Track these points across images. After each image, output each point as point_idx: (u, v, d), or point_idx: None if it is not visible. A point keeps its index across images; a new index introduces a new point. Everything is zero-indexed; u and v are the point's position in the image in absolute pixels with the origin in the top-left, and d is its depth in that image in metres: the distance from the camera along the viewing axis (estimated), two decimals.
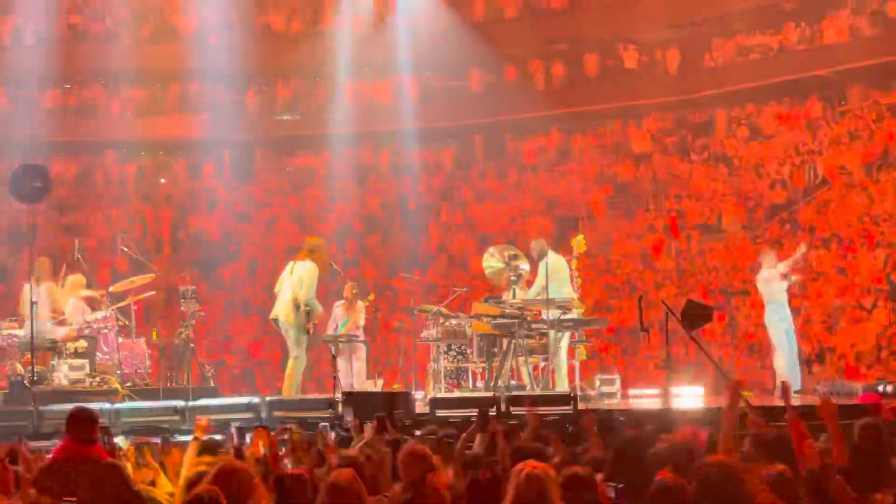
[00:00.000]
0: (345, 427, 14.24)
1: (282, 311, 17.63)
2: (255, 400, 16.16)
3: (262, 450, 9.09)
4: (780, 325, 19.63)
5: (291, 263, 17.97)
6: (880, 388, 18.46)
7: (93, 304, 18.86)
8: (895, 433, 9.83)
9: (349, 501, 6.92)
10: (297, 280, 17.63)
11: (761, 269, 20.22)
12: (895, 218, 26.13)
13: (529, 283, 18.71)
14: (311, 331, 17.62)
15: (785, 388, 8.71)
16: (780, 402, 17.33)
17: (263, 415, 14.94)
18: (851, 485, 7.12)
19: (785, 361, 19.33)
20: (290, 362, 17.45)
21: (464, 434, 10.94)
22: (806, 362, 23.36)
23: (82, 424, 8.50)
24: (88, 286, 19.63)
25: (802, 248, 20.65)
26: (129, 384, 17.77)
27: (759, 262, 20.73)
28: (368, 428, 11.47)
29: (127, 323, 18.60)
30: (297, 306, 17.39)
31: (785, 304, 20.05)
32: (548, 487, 6.75)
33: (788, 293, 20.43)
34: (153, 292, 18.36)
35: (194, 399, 16.32)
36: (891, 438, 9.20)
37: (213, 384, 19.45)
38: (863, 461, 8.02)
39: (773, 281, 19.70)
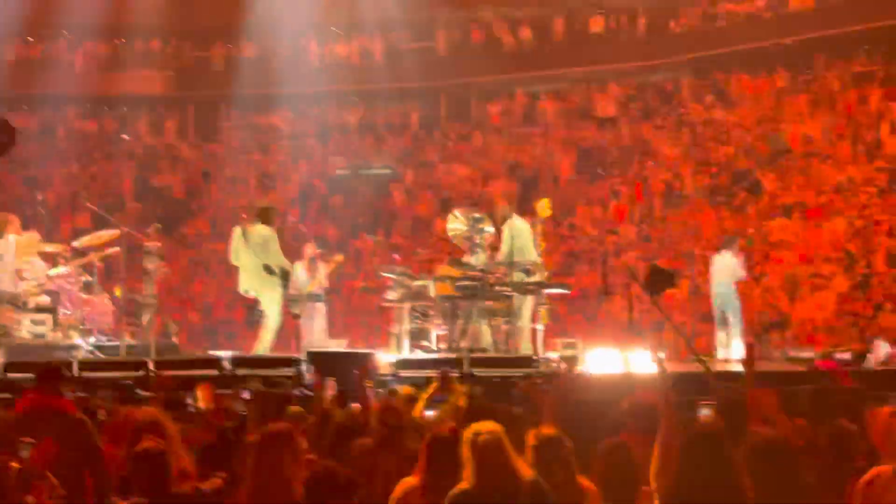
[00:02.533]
0: (306, 385, 14.27)
1: (250, 281, 17.58)
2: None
3: (204, 404, 9.08)
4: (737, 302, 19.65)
5: (240, 229, 17.83)
6: (837, 356, 18.60)
7: (53, 259, 18.76)
8: (852, 399, 10.00)
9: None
10: (258, 247, 17.54)
11: (724, 251, 20.05)
12: (856, 187, 26.28)
13: (493, 247, 18.74)
14: (284, 292, 17.61)
15: (751, 349, 8.76)
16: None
17: (227, 371, 14.96)
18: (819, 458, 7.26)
19: (734, 339, 19.38)
20: (270, 325, 17.44)
21: (426, 394, 10.99)
22: (765, 329, 23.53)
23: (49, 377, 8.51)
24: (49, 241, 19.55)
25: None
26: (92, 340, 17.73)
27: (724, 244, 20.58)
28: (329, 384, 11.46)
29: (90, 279, 18.51)
30: (270, 271, 17.35)
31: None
32: (504, 448, 6.84)
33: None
34: (117, 248, 18.24)
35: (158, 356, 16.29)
36: (846, 403, 9.37)
37: (175, 342, 19.44)
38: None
39: (735, 267, 19.66)
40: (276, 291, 17.40)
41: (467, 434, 6.82)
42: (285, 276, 17.39)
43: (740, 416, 7.77)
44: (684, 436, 6.77)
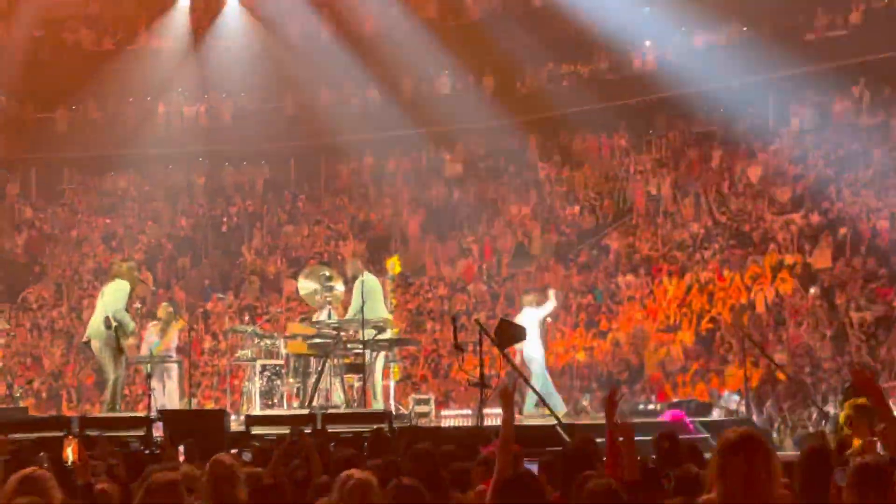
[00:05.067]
0: (155, 444, 14.11)
1: (93, 331, 17.32)
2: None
3: (70, 457, 8.94)
4: (540, 358, 19.79)
5: (103, 287, 17.67)
6: (685, 408, 19.00)
7: None
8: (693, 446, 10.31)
9: None
10: (107, 300, 17.36)
11: (527, 307, 20.24)
12: (699, 242, 26.84)
13: (344, 304, 18.77)
14: (124, 347, 17.33)
15: (613, 392, 8.94)
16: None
17: (75, 432, 14.68)
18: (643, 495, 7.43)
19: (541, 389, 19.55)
20: (110, 383, 17.16)
21: (277, 450, 10.93)
22: (616, 383, 23.86)
23: None
24: None
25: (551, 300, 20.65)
26: None
27: (525, 301, 20.82)
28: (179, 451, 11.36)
29: None
30: (108, 325, 17.10)
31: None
32: (372, 494, 6.86)
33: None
34: None
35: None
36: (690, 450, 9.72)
37: (21, 405, 19.04)
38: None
39: (536, 321, 19.82)
40: (117, 351, 17.16)
41: (340, 477, 6.89)
42: (117, 330, 17.05)
43: (580, 463, 7.96)
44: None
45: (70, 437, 9.78)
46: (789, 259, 24.76)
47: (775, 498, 5.68)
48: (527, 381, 16.66)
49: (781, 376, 20.81)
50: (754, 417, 18.04)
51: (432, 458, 8.35)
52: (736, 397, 19.60)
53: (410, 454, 8.42)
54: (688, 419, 16.60)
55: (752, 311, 23.92)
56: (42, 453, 9.70)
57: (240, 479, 7.72)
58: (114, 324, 16.75)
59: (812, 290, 23.70)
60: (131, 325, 16.97)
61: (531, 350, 19.31)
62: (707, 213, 27.91)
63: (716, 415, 18.95)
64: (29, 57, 35.81)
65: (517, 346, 18.26)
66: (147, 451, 12.92)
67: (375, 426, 14.08)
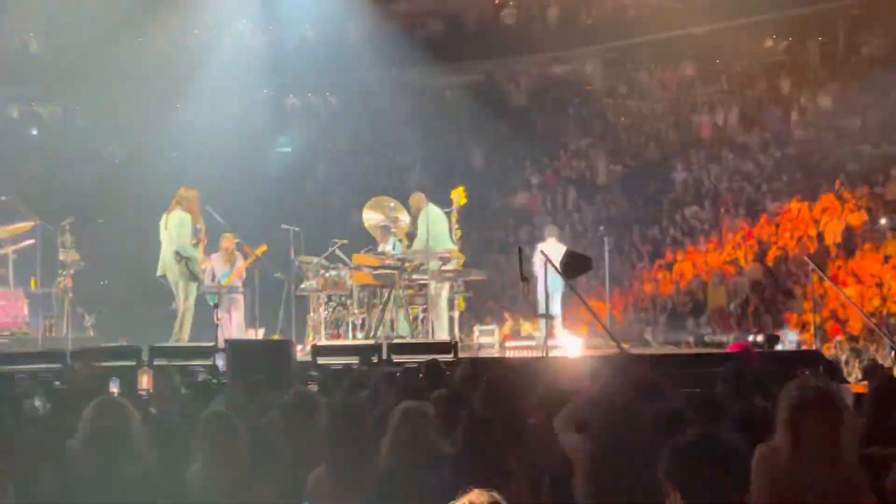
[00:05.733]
0: (221, 374, 14.25)
1: (165, 265, 17.51)
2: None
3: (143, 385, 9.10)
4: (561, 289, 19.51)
5: (164, 217, 17.80)
6: (750, 339, 18.95)
7: None
8: (761, 378, 10.21)
9: None
10: (171, 232, 17.52)
11: (547, 239, 19.99)
12: (765, 175, 26.66)
13: (409, 235, 18.82)
14: (199, 277, 17.51)
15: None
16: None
17: (145, 361, 14.86)
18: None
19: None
20: (179, 313, 17.35)
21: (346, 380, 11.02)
22: (681, 315, 23.85)
23: None
24: None
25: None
26: (7, 333, 17.55)
27: (545, 233, 20.56)
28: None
29: (4, 272, 18.31)
30: (178, 259, 17.29)
31: None
32: (425, 422, 6.94)
33: None
34: (32, 241, 18.10)
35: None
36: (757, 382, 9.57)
37: (92, 334, 19.25)
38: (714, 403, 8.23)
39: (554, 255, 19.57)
40: (188, 280, 17.33)
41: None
42: (188, 263, 17.26)
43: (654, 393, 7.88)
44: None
45: (144, 367, 9.93)
46: (858, 190, 24.49)
47: (846, 461, 5.59)
48: (591, 311, 16.64)
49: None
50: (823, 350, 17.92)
51: (504, 388, 8.22)
52: (793, 336, 19.56)
53: (481, 386, 8.30)
54: (755, 350, 16.53)
55: (821, 243, 23.72)
56: (114, 378, 9.88)
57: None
58: (185, 256, 16.97)
59: (883, 221, 23.45)
60: (194, 254, 17.18)
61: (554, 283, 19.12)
62: (774, 143, 27.67)
63: (782, 347, 18.84)
64: None
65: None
66: (214, 381, 13.04)
67: (437, 356, 14.20)
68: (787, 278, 23.47)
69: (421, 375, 11.05)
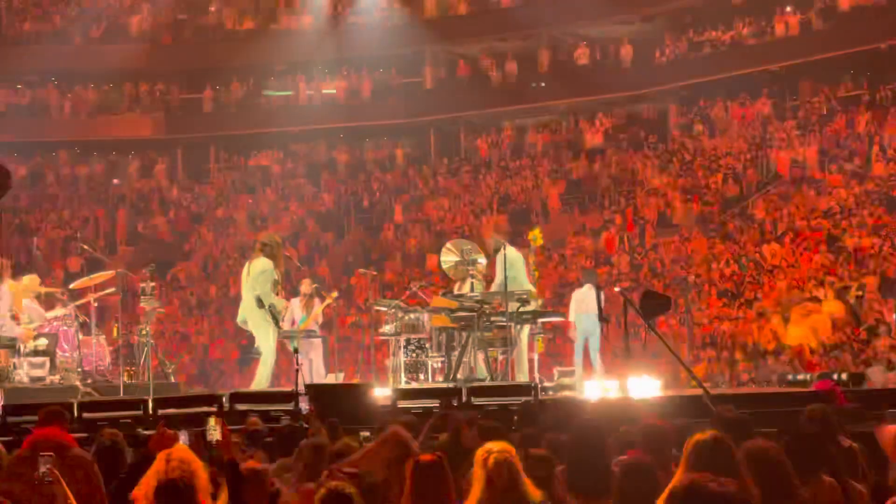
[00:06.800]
0: (303, 418, 14.24)
1: (246, 311, 17.58)
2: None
3: (215, 435, 9.06)
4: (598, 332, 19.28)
5: (247, 264, 17.90)
6: (834, 377, 18.66)
7: (48, 302, 18.77)
8: (847, 418, 10.04)
9: None
10: (252, 279, 17.59)
11: (585, 283, 19.74)
12: (847, 211, 26.38)
13: (486, 278, 18.78)
14: (280, 321, 17.55)
15: None
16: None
17: (226, 407, 14.90)
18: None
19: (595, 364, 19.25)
20: (263, 358, 17.40)
21: (428, 422, 10.99)
22: (762, 355, 23.58)
23: (52, 416, 8.53)
24: (41, 285, 19.53)
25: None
26: (90, 381, 17.70)
27: (584, 277, 20.38)
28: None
29: (87, 320, 18.51)
30: (260, 304, 17.35)
31: None
32: (515, 468, 6.80)
33: None
34: (112, 290, 18.26)
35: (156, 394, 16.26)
36: (841, 422, 9.37)
37: (173, 381, 19.39)
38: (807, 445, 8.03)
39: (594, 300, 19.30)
40: (269, 326, 17.38)
41: (479, 453, 6.76)
42: (270, 309, 17.32)
43: (741, 432, 7.77)
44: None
45: (214, 415, 9.91)
46: None
47: None
48: (673, 352, 16.49)
49: None
50: None
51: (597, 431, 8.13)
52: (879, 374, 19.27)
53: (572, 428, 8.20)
54: (839, 388, 16.27)
55: None
56: (184, 430, 9.88)
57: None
58: (266, 303, 17.03)
59: None
60: (280, 304, 17.24)
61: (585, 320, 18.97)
62: (854, 179, 27.40)
63: (868, 385, 18.53)
64: (174, 39, 36.54)
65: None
66: (297, 426, 13.04)
67: (522, 398, 14.10)
68: (870, 315, 23.15)
69: (515, 417, 11.02)
